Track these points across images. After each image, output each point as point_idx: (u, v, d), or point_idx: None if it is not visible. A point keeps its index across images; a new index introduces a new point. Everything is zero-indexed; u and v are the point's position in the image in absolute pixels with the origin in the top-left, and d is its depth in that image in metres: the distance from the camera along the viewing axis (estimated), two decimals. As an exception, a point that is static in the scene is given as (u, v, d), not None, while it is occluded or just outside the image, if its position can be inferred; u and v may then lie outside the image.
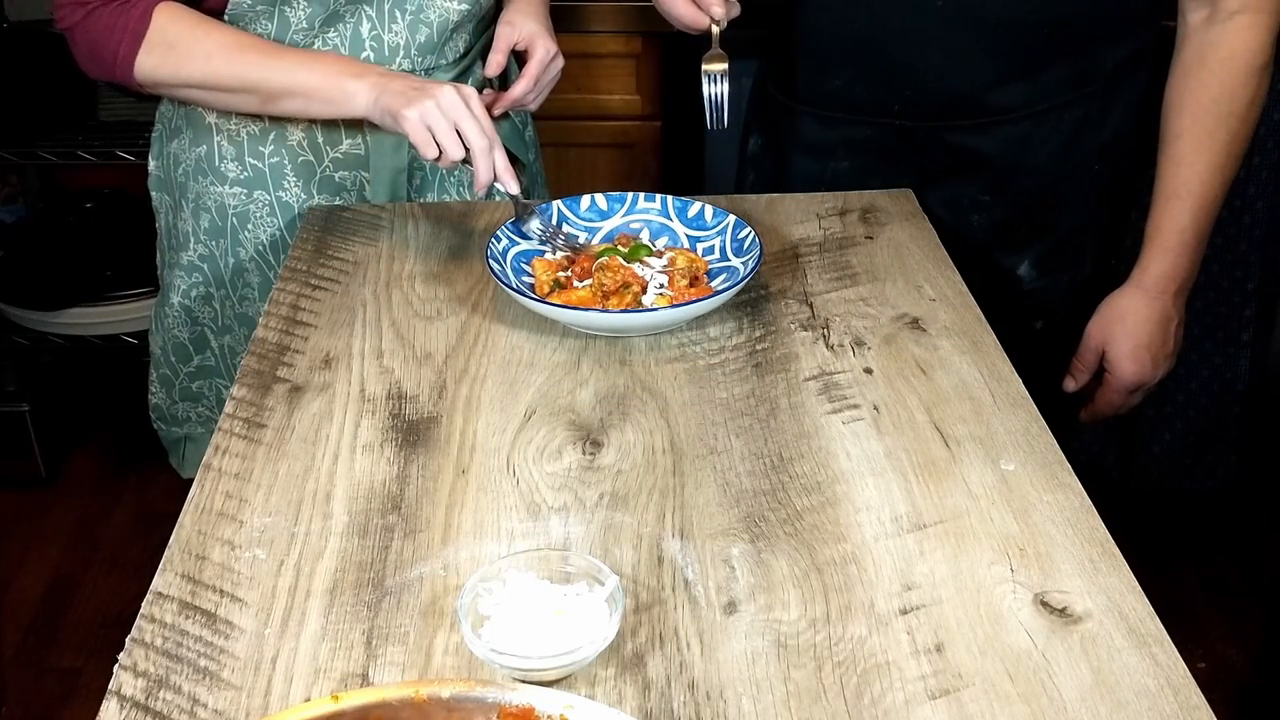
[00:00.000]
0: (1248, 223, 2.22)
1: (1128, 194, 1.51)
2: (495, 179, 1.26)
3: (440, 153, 1.24)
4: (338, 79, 1.28)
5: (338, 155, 1.42)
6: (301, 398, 1.09)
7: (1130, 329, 1.37)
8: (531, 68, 1.41)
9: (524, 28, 1.42)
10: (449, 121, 1.23)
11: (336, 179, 1.43)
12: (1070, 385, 1.44)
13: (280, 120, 1.39)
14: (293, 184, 1.42)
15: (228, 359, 1.52)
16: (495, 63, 1.41)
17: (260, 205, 1.42)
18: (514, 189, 1.26)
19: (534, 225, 1.28)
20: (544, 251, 1.27)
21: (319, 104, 1.30)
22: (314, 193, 1.42)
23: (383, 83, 1.27)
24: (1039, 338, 1.48)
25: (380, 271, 1.29)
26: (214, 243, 1.45)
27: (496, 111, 1.40)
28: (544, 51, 1.41)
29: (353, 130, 1.41)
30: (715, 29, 1.30)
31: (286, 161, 1.41)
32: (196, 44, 1.28)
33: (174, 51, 1.28)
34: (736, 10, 1.31)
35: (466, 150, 1.24)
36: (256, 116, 1.39)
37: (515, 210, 1.29)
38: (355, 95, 1.27)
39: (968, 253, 1.33)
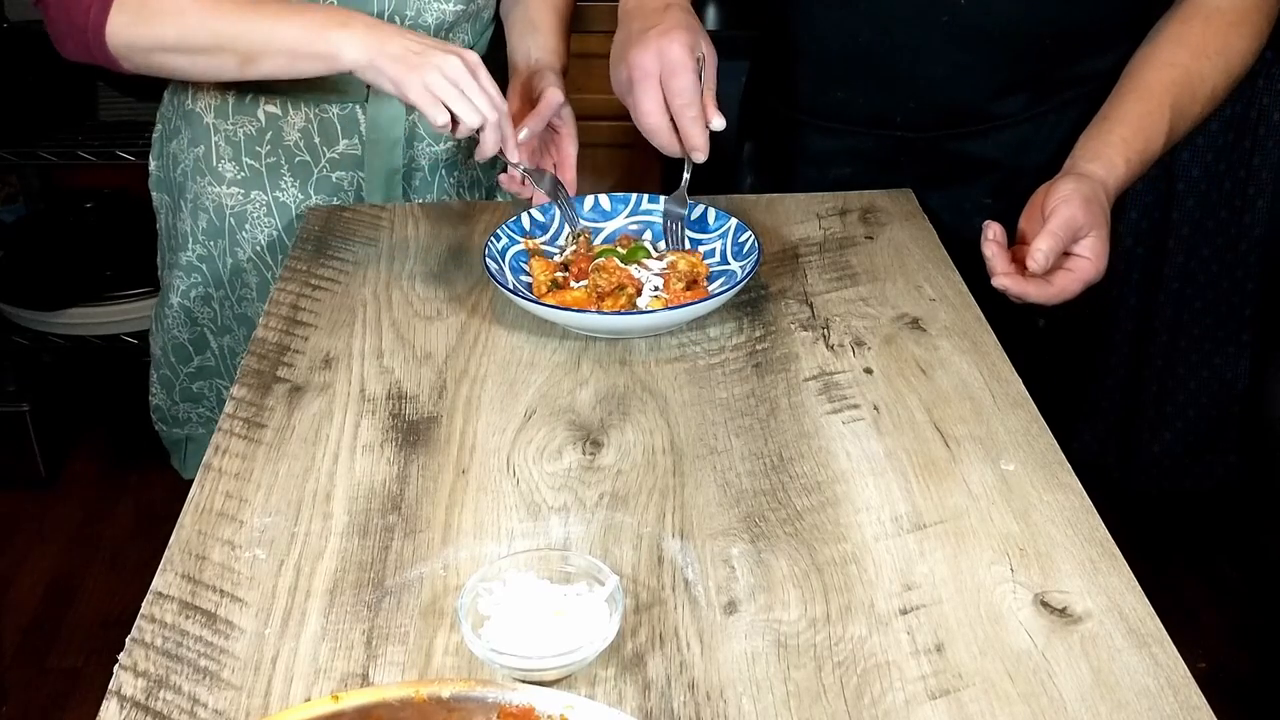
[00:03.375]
0: (1248, 222, 2.23)
1: (1126, 193, 1.51)
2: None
3: (452, 121, 1.20)
4: (321, 31, 1.20)
5: (334, 156, 1.42)
6: (301, 398, 1.09)
7: (1106, 221, 1.23)
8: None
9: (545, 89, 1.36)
10: (457, 90, 1.19)
11: (334, 180, 1.43)
12: (1037, 265, 1.17)
13: (276, 120, 1.39)
14: (289, 184, 1.42)
15: (228, 359, 1.52)
16: (530, 128, 1.31)
17: (258, 205, 1.42)
18: (514, 157, 1.25)
19: (546, 188, 1.30)
20: (550, 234, 1.28)
21: (303, 61, 1.22)
22: (311, 193, 1.42)
23: (376, 41, 1.19)
24: (1042, 336, 1.48)
25: (380, 271, 1.29)
26: (212, 243, 1.45)
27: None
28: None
29: (350, 131, 1.41)
30: (686, 173, 1.26)
31: (283, 162, 1.41)
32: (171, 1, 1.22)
33: (146, 8, 1.22)
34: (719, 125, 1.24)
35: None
36: (253, 116, 1.38)
37: (532, 180, 1.29)
38: (342, 48, 1.20)
39: (971, 254, 1.33)
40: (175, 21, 1.22)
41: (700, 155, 1.22)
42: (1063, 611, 0.86)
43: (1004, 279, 1.19)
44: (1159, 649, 0.83)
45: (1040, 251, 1.16)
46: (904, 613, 0.86)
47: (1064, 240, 1.18)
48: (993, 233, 1.21)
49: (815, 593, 0.88)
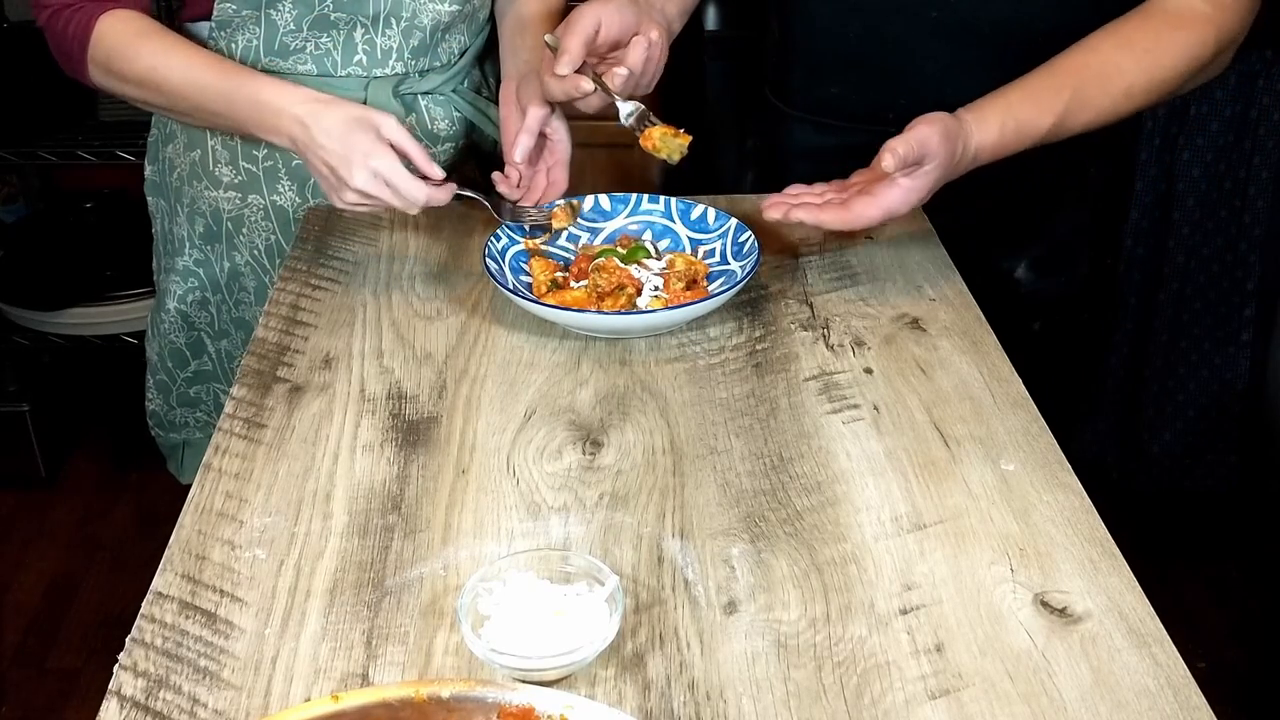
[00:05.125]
0: (1248, 222, 2.23)
1: (1124, 195, 1.51)
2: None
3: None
4: (257, 130, 1.24)
5: None
6: (301, 398, 1.09)
7: (947, 166, 1.20)
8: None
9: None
10: (384, 187, 1.19)
11: None
12: (887, 165, 1.15)
13: None
14: (287, 188, 1.42)
15: (225, 364, 1.52)
16: (523, 146, 1.30)
17: (255, 209, 1.42)
18: (443, 199, 1.22)
19: (514, 214, 1.28)
20: (542, 238, 1.28)
21: (254, 139, 1.30)
22: (309, 196, 1.42)
23: (303, 147, 1.21)
24: (1037, 339, 1.48)
25: (380, 271, 1.29)
26: (209, 247, 1.45)
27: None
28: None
29: None
30: (619, 104, 1.23)
31: (280, 165, 1.40)
32: (128, 66, 1.27)
33: (111, 70, 1.28)
34: (646, 77, 1.23)
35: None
36: None
37: (496, 210, 1.28)
38: (279, 142, 1.24)
39: (965, 255, 1.33)
40: (135, 89, 1.29)
41: (556, 85, 1.22)
42: (1063, 611, 0.86)
43: (797, 212, 1.18)
44: (1159, 649, 0.83)
45: (895, 153, 1.13)
46: (904, 613, 0.86)
47: (915, 152, 1.15)
48: (771, 210, 1.20)
49: (815, 593, 0.88)
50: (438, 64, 1.42)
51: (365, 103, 1.39)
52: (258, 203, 1.42)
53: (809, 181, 1.47)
